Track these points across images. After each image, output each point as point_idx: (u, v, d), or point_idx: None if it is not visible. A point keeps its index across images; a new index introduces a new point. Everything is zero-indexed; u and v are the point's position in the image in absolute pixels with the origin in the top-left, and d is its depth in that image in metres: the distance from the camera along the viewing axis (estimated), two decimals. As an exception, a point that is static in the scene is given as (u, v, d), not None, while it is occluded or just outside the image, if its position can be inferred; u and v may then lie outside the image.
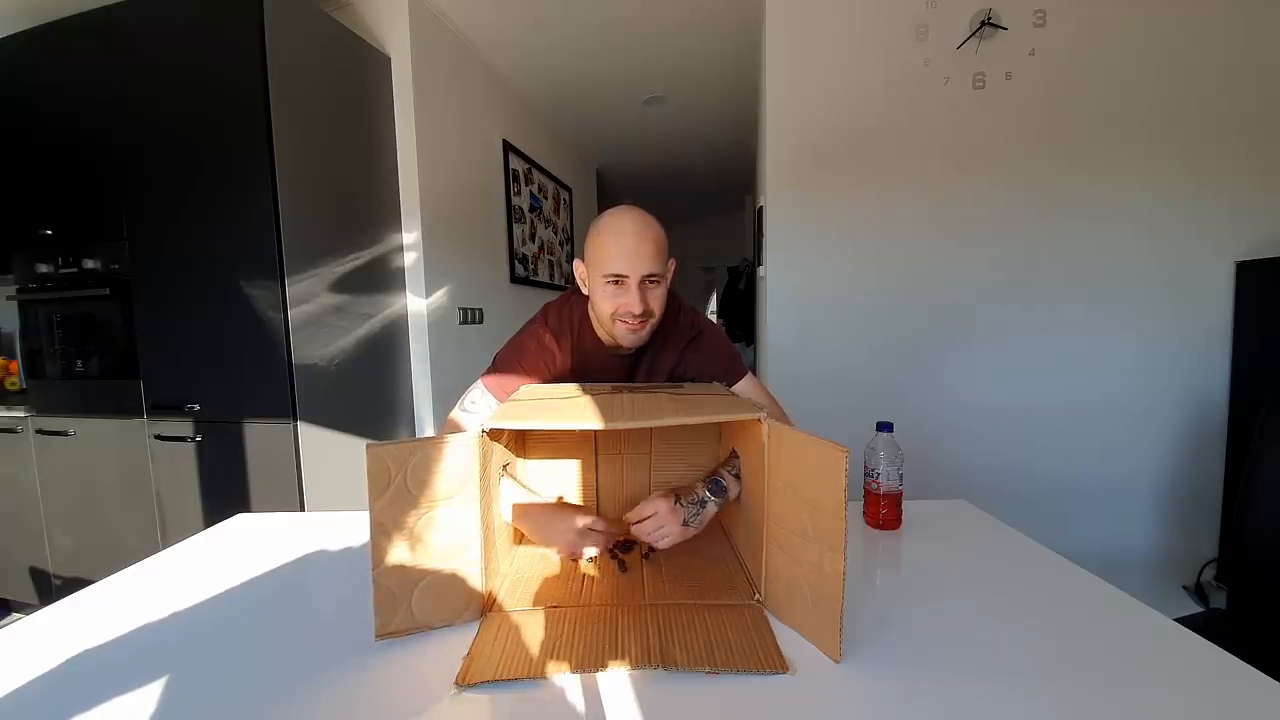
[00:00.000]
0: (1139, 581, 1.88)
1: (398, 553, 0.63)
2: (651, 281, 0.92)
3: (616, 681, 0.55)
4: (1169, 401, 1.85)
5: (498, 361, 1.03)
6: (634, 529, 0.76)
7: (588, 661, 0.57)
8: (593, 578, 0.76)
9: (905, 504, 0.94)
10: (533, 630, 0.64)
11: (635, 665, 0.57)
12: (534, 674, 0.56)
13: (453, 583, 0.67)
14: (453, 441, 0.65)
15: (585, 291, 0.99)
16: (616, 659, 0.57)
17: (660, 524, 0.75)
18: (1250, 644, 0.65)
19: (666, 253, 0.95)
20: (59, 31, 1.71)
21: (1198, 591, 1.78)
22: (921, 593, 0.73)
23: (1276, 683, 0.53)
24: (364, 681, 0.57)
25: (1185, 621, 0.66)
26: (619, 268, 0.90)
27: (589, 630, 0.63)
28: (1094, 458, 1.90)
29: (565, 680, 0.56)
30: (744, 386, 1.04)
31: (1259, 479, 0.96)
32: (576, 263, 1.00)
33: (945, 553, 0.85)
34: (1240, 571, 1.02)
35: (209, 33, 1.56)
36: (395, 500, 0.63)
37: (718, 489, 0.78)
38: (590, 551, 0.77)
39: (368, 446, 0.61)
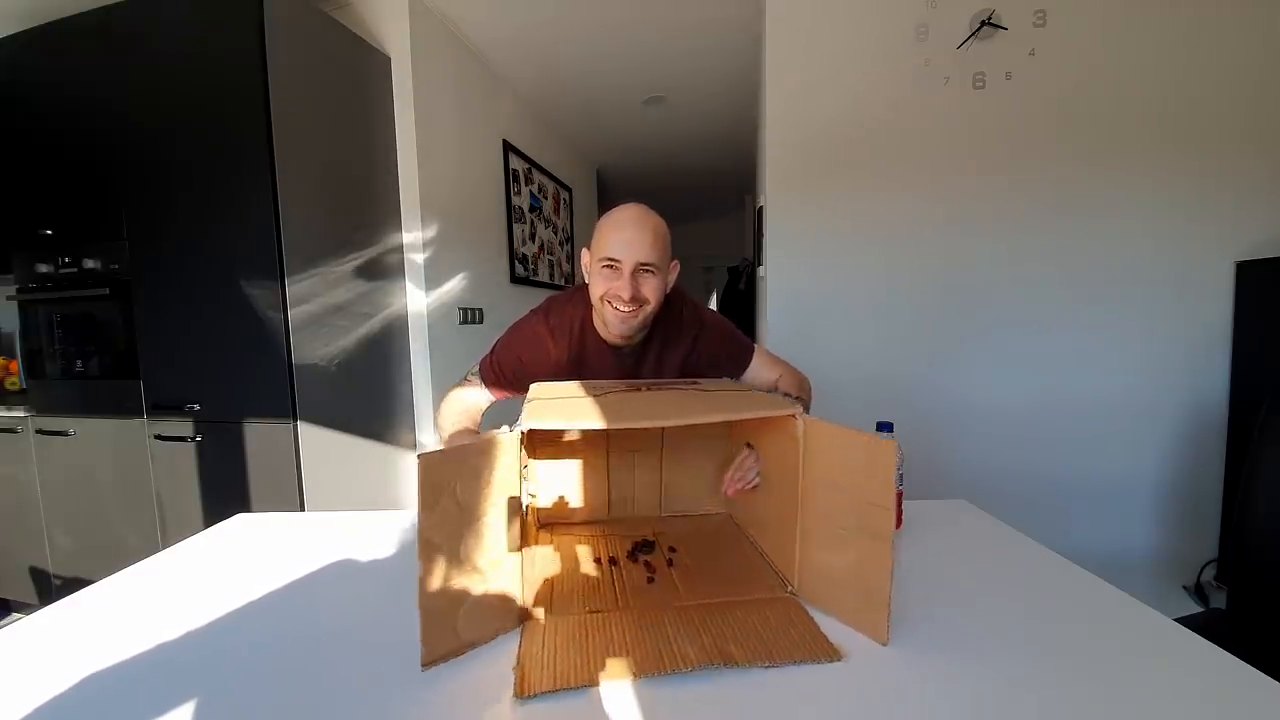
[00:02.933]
0: (1139, 581, 1.88)
1: (446, 571, 0.59)
2: (646, 270, 0.94)
3: (671, 683, 0.55)
4: (1169, 401, 1.85)
5: (496, 346, 1.08)
6: (737, 480, 0.83)
7: (648, 665, 0.56)
8: (623, 581, 0.75)
9: (905, 504, 0.94)
10: (579, 637, 0.62)
11: (697, 665, 0.56)
12: (594, 681, 0.54)
13: (496, 595, 0.64)
14: (498, 445, 0.63)
15: (587, 279, 1.02)
16: (676, 661, 0.56)
17: (753, 465, 0.83)
18: (1250, 644, 0.65)
19: (666, 247, 0.97)
20: (59, 31, 1.71)
21: (1198, 591, 1.78)
22: (921, 593, 0.72)
23: (1276, 683, 0.53)
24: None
25: (1185, 621, 0.66)
26: (614, 253, 0.94)
27: (638, 634, 0.62)
28: (1094, 457, 1.90)
29: (623, 686, 0.55)
30: (759, 365, 1.10)
31: (1259, 479, 0.96)
32: (583, 251, 1.03)
33: (945, 553, 0.85)
34: (1240, 571, 1.02)
35: (209, 33, 1.56)
36: (446, 515, 0.58)
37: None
38: None
39: (419, 456, 0.56)
